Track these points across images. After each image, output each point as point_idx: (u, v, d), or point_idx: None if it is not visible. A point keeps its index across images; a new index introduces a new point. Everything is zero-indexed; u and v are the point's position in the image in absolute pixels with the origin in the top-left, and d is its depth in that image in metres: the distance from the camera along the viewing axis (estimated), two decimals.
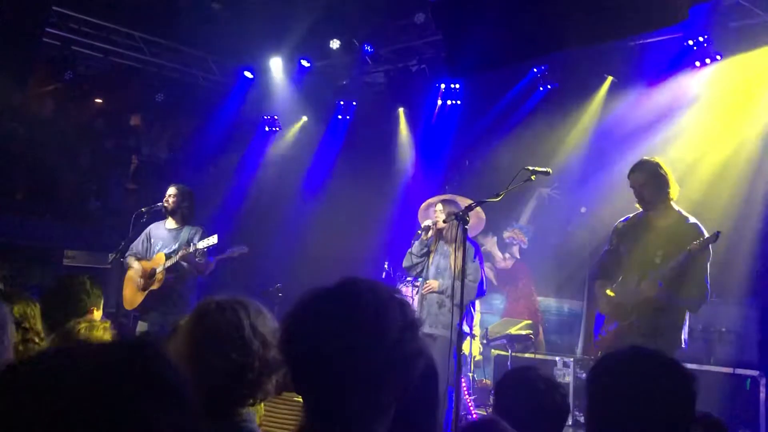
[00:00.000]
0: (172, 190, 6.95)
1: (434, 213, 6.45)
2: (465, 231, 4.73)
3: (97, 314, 3.84)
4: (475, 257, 6.10)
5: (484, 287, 6.41)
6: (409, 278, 7.70)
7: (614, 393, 1.98)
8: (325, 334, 1.46)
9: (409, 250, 6.52)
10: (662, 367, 2.00)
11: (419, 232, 6.43)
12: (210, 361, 2.06)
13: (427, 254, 6.46)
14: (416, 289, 6.92)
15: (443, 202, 6.48)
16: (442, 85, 9.49)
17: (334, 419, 1.46)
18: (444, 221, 6.15)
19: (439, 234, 6.42)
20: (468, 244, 6.05)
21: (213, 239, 6.67)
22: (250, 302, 2.21)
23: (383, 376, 1.46)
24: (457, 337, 4.71)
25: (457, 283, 6.05)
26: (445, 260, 6.34)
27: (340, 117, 10.60)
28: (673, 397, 1.93)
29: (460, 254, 6.10)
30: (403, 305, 1.54)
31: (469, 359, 7.71)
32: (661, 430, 1.91)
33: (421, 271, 6.47)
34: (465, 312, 6.03)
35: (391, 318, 1.48)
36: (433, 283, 6.28)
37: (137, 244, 6.97)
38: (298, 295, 1.56)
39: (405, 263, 6.55)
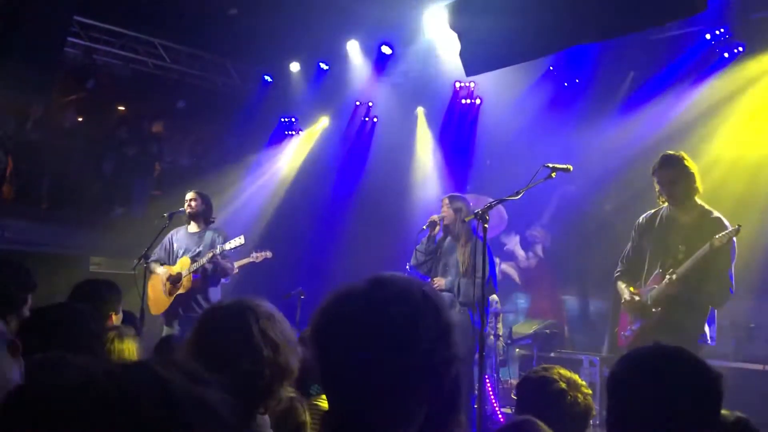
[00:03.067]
0: (192, 195, 7.03)
1: (441, 208, 6.28)
2: (485, 230, 4.67)
3: (116, 318, 3.86)
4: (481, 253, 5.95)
5: (496, 284, 6.25)
6: None
7: (636, 392, 1.92)
8: (353, 338, 1.41)
9: (416, 247, 6.32)
10: (686, 365, 1.94)
11: (425, 227, 6.24)
12: (217, 368, 1.95)
13: (435, 251, 6.26)
14: None
15: (450, 197, 6.33)
16: (458, 84, 9.47)
17: (359, 424, 1.42)
18: (464, 220, 6.04)
19: (446, 230, 6.24)
20: (477, 239, 5.97)
21: (240, 240, 6.72)
22: (261, 306, 2.11)
23: (413, 385, 1.41)
24: (480, 338, 4.65)
25: (465, 281, 5.96)
26: (452, 257, 6.14)
27: (362, 119, 10.61)
28: (697, 396, 1.88)
29: (467, 250, 6.02)
30: (438, 310, 1.47)
31: (494, 359, 7.65)
32: (684, 429, 1.85)
33: (430, 269, 6.27)
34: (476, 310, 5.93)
35: (424, 326, 1.42)
36: (440, 281, 6.09)
37: (160, 250, 7.04)
38: (329, 292, 1.50)
39: (412, 261, 6.33)
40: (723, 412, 2.32)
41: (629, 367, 2.01)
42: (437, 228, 6.23)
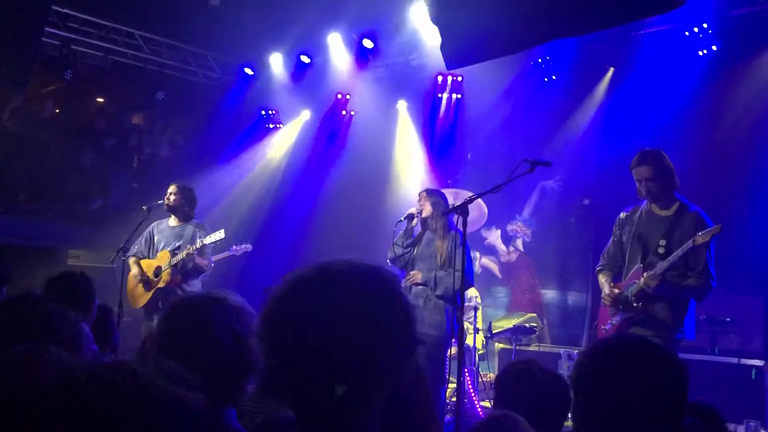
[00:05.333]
0: (172, 188, 6.99)
1: (418, 202, 6.28)
2: (465, 223, 4.68)
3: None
4: (460, 246, 5.93)
5: (472, 278, 6.25)
6: None
7: (600, 382, 1.93)
8: (304, 337, 1.36)
9: (393, 241, 6.31)
10: (650, 355, 1.95)
11: (402, 220, 6.24)
12: (179, 361, 1.98)
13: (413, 245, 6.26)
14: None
15: (427, 191, 6.34)
16: (440, 77, 9.49)
17: (321, 419, 1.39)
18: (443, 213, 6.04)
19: (423, 224, 6.24)
20: (454, 233, 5.98)
21: (220, 234, 6.69)
22: (228, 299, 2.11)
23: (372, 380, 1.38)
24: (460, 332, 4.67)
25: (442, 274, 5.97)
26: (429, 250, 6.13)
27: (343, 112, 10.59)
28: (661, 387, 1.89)
29: (444, 244, 6.04)
30: (393, 300, 1.42)
31: (473, 353, 7.69)
32: (649, 420, 1.87)
33: (407, 262, 6.24)
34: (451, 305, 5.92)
35: (381, 319, 1.38)
36: (417, 274, 6.08)
37: (140, 244, 7.00)
38: (277, 285, 1.45)
39: (389, 255, 6.30)
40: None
41: (594, 358, 2.01)
42: (415, 221, 6.23)
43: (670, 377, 1.91)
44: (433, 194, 6.29)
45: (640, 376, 1.88)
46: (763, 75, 7.37)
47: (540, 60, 8.69)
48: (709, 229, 4.64)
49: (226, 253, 7.98)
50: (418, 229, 6.31)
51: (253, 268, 8.82)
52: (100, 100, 11.81)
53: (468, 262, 5.75)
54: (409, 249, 6.25)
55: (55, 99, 11.14)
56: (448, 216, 6.01)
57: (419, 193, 6.37)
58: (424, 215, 6.18)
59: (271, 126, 11.22)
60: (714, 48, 7.44)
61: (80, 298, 3.74)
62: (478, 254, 9.58)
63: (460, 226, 4.69)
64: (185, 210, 6.98)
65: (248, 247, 8.08)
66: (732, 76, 7.49)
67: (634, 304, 4.88)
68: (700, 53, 7.51)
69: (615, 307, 5.04)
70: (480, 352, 8.07)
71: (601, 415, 1.90)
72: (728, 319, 6.75)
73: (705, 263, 4.74)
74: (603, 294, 5.15)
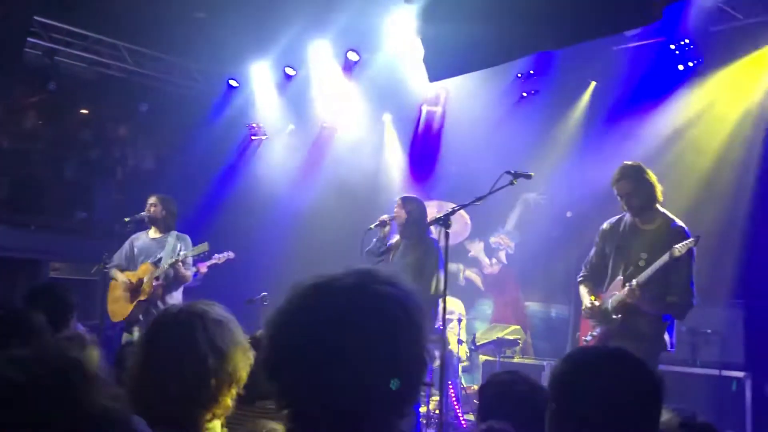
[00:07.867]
0: (152, 200, 6.95)
1: (394, 209, 6.20)
2: (447, 235, 4.69)
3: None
4: (433, 254, 5.81)
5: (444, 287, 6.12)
6: None
7: (576, 392, 1.94)
8: (298, 337, 1.39)
9: (368, 249, 6.21)
10: (626, 365, 1.97)
11: (372, 227, 6.14)
12: (162, 376, 2.01)
13: (387, 252, 6.18)
14: None
15: (403, 198, 6.26)
16: (425, 91, 9.52)
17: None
18: (416, 222, 5.97)
19: (399, 233, 6.15)
20: (429, 240, 5.93)
21: (204, 246, 6.67)
22: (210, 311, 2.11)
23: (363, 389, 1.37)
24: (441, 343, 4.67)
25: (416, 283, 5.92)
26: (404, 260, 6.05)
27: (326, 125, 10.59)
28: (637, 398, 1.90)
29: (417, 252, 5.97)
30: (418, 323, 1.43)
31: (456, 364, 7.69)
32: (623, 429, 1.88)
33: None
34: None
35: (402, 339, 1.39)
36: None
37: (120, 255, 6.95)
38: (294, 288, 1.46)
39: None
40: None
41: (570, 367, 2.03)
42: (387, 228, 6.14)
43: (645, 388, 1.92)
44: (409, 201, 6.19)
45: (615, 386, 1.90)
46: (743, 89, 7.47)
47: (522, 74, 8.75)
48: (686, 241, 4.66)
49: (207, 262, 7.94)
50: (392, 236, 6.24)
51: (237, 279, 8.77)
52: (84, 111, 11.74)
53: (441, 273, 5.65)
54: (383, 257, 6.16)
55: (38, 110, 11.06)
56: (425, 225, 5.96)
57: (396, 200, 6.29)
58: (397, 222, 6.11)
59: (255, 138, 11.20)
60: (694, 63, 7.52)
61: (56, 308, 3.72)
62: (462, 266, 9.58)
63: (442, 238, 4.69)
64: (166, 221, 6.95)
65: (230, 254, 8.03)
66: (712, 90, 7.58)
67: (614, 316, 4.90)
68: (680, 67, 7.60)
69: (595, 320, 5.06)
70: (464, 363, 8.06)
71: (574, 424, 1.91)
72: (709, 331, 6.79)
73: (686, 280, 4.76)
74: (583, 306, 5.17)
